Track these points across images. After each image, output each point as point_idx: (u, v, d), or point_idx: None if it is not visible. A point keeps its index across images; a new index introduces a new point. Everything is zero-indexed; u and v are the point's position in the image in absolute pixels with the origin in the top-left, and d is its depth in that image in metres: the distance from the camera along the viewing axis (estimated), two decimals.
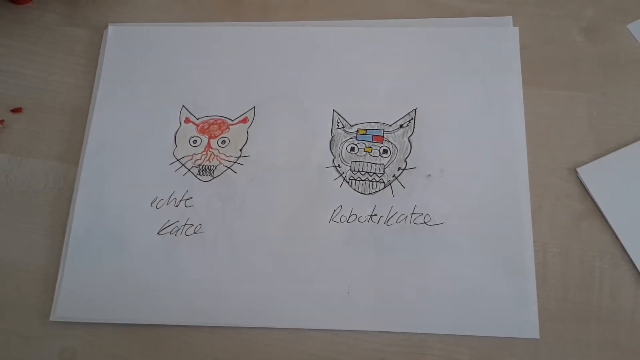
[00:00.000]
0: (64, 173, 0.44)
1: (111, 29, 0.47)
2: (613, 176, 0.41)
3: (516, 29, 0.45)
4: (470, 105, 0.43)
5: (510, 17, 0.46)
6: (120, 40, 0.47)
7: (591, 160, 0.41)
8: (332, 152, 0.43)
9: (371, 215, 0.41)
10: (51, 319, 0.40)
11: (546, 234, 0.40)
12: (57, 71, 0.47)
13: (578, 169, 0.41)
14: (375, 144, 0.43)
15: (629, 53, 0.45)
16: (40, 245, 0.42)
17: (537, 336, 0.37)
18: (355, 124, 0.44)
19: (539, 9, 0.46)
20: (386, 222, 0.41)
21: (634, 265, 0.39)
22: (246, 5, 0.48)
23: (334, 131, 0.44)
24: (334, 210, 0.41)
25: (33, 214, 0.43)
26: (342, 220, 0.41)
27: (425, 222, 0.40)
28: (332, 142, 0.43)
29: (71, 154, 0.44)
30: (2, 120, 0.46)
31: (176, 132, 0.44)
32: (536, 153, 0.42)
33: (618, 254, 0.39)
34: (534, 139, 0.42)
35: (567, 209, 0.41)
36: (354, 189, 0.42)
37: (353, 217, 0.41)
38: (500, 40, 0.45)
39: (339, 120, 0.44)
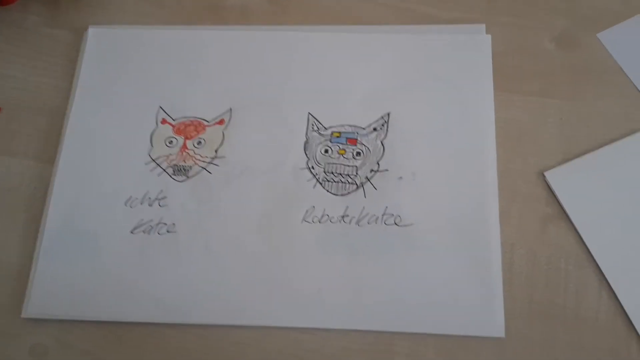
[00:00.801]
0: (40, 172, 0.44)
1: (91, 31, 0.48)
2: (579, 180, 0.42)
3: (489, 36, 0.46)
4: (442, 110, 0.44)
5: (484, 25, 0.47)
6: (100, 42, 0.48)
7: (559, 165, 0.42)
8: (306, 154, 0.44)
9: (343, 216, 0.42)
10: (22, 315, 0.40)
11: (514, 235, 0.41)
12: (37, 72, 0.48)
13: (545, 173, 0.42)
14: (349, 146, 0.44)
15: (599, 61, 0.46)
16: (14, 242, 0.42)
17: (503, 335, 0.38)
18: (330, 127, 0.44)
19: (512, 18, 0.48)
20: (357, 222, 0.41)
21: (598, 267, 0.39)
22: (226, 10, 0.49)
23: (308, 134, 0.44)
24: (307, 211, 0.42)
25: (8, 211, 0.43)
26: (314, 221, 0.42)
27: (395, 223, 0.41)
28: (306, 145, 0.44)
29: (48, 153, 0.45)
30: None
31: (152, 133, 0.45)
32: (506, 157, 0.43)
33: (583, 256, 0.40)
34: (504, 143, 0.43)
35: (534, 212, 0.41)
36: (327, 190, 0.42)
37: (325, 218, 0.42)
38: (473, 47, 0.46)
39: (313, 123, 0.44)
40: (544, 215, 0.41)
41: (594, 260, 0.40)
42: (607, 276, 0.39)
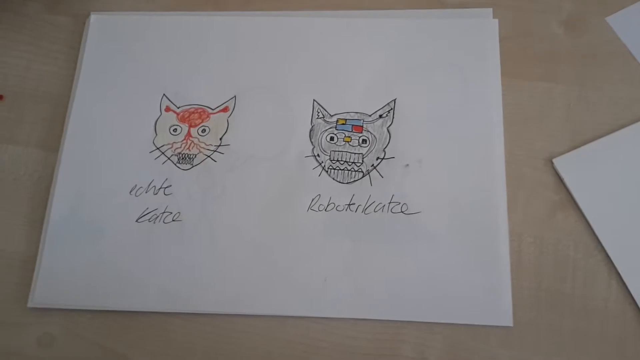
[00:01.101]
0: (44, 160, 0.44)
1: (93, 17, 0.47)
2: (588, 167, 0.41)
3: (496, 21, 0.45)
4: (449, 96, 0.44)
5: (491, 9, 0.46)
6: (102, 28, 0.47)
7: (567, 152, 0.42)
8: (311, 142, 0.43)
9: (349, 204, 0.41)
10: (29, 305, 0.40)
11: (521, 223, 0.40)
12: (39, 59, 0.47)
13: (554, 160, 0.41)
14: (355, 133, 0.43)
15: (608, 46, 0.45)
16: (19, 231, 0.42)
17: (511, 324, 0.38)
18: (335, 114, 0.44)
19: (519, 2, 0.47)
20: (364, 211, 0.41)
21: (607, 255, 0.39)
22: None
23: (313, 121, 0.44)
24: (312, 199, 0.42)
25: (12, 200, 0.43)
26: (320, 209, 0.41)
27: (402, 212, 0.41)
28: (311, 132, 0.43)
29: (51, 141, 0.44)
30: None
31: (156, 121, 0.44)
32: (513, 144, 0.42)
33: (591, 244, 0.40)
34: (511, 129, 0.43)
35: (542, 199, 0.41)
36: (333, 178, 0.42)
37: (331, 206, 0.41)
38: (479, 32, 0.45)
39: (319, 110, 0.44)
40: (552, 203, 0.41)
41: (603, 249, 0.39)
42: (616, 265, 0.39)
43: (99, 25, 0.47)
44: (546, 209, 0.41)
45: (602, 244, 0.39)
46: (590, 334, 0.38)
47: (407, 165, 0.42)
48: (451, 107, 0.43)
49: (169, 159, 0.43)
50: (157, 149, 0.44)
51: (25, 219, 0.42)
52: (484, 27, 0.45)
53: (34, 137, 0.45)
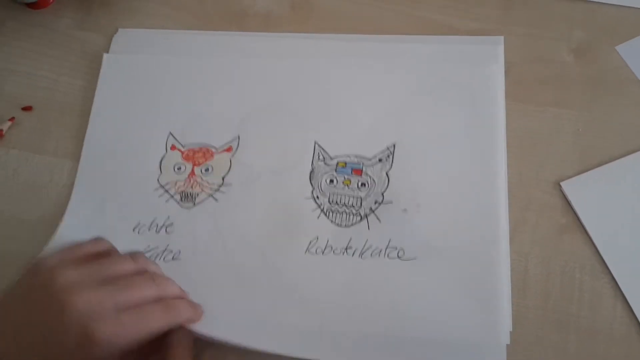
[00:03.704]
0: (69, 170, 0.46)
1: (119, 32, 0.50)
2: (596, 191, 0.42)
3: (501, 47, 0.46)
4: (452, 126, 0.44)
5: (502, 37, 0.47)
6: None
7: (575, 175, 0.43)
8: (311, 184, 0.43)
9: (346, 248, 0.41)
10: None
11: (529, 244, 0.41)
12: (67, 72, 0.49)
13: (562, 183, 0.42)
14: (354, 176, 0.43)
15: (617, 73, 0.46)
16: (42, 238, 0.43)
17: (508, 342, 0.37)
18: (336, 156, 0.44)
19: (530, 29, 0.48)
20: (360, 255, 0.41)
21: (613, 278, 0.40)
22: (250, 17, 0.50)
23: (314, 163, 0.44)
24: (310, 242, 0.42)
25: (37, 207, 0.45)
26: (317, 252, 0.41)
27: (398, 257, 0.41)
28: (312, 174, 0.44)
29: (77, 152, 0.46)
30: (13, 118, 0.48)
31: (162, 159, 0.45)
32: (523, 166, 0.43)
33: (598, 267, 0.40)
34: (521, 153, 0.44)
35: (550, 221, 0.42)
36: (331, 221, 0.42)
37: (328, 249, 0.41)
38: (486, 59, 0.46)
39: (319, 153, 0.44)
40: (559, 226, 0.42)
41: (609, 272, 0.40)
42: (622, 288, 0.39)
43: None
44: (554, 231, 0.42)
45: (608, 267, 0.40)
46: (596, 356, 0.38)
47: (405, 210, 0.42)
48: (455, 138, 0.43)
49: (172, 197, 0.44)
50: (161, 187, 0.44)
51: (49, 226, 0.44)
52: (491, 54, 0.46)
53: (61, 147, 0.47)
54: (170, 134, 0.46)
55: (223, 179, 0.44)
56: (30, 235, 0.44)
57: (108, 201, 0.44)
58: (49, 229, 0.44)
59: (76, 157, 0.46)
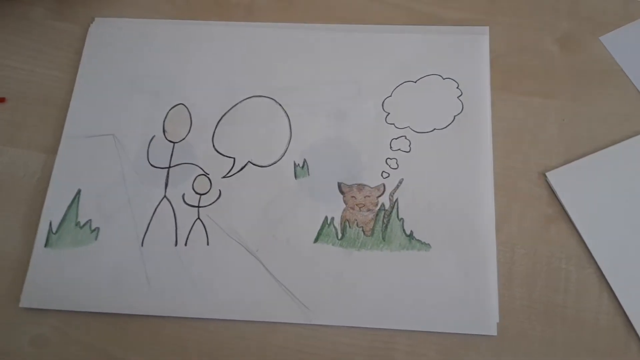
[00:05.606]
0: (44, 163, 0.44)
1: (95, 21, 0.48)
2: (581, 181, 0.42)
3: (487, 37, 0.46)
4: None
5: (487, 27, 0.47)
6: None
7: (560, 166, 0.42)
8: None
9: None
10: (20, 305, 0.40)
11: (515, 235, 0.41)
12: (43, 64, 0.48)
13: (547, 173, 0.42)
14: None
15: (601, 64, 0.46)
16: (16, 233, 0.42)
17: (495, 334, 0.38)
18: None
19: (515, 19, 0.48)
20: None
21: (599, 268, 0.40)
22: (231, 10, 0.49)
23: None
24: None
25: (11, 202, 0.43)
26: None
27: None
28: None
29: (52, 144, 0.45)
30: None
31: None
32: (508, 157, 0.43)
33: (584, 257, 0.40)
34: (506, 143, 0.44)
35: (536, 212, 0.42)
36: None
37: None
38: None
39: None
40: (545, 216, 0.41)
41: (595, 262, 0.40)
42: (607, 277, 0.39)
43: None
44: (539, 222, 0.41)
45: (594, 257, 0.40)
46: (581, 345, 0.38)
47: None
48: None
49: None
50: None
51: (23, 220, 0.43)
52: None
53: (35, 140, 0.45)
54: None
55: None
56: (3, 230, 0.43)
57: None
58: (22, 224, 0.43)
59: (51, 150, 0.45)
